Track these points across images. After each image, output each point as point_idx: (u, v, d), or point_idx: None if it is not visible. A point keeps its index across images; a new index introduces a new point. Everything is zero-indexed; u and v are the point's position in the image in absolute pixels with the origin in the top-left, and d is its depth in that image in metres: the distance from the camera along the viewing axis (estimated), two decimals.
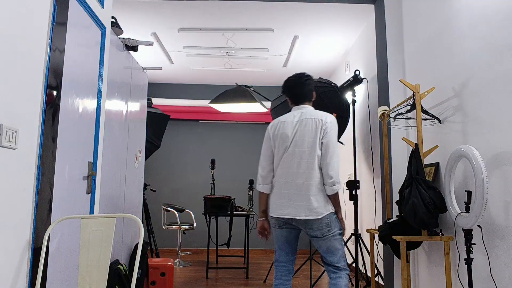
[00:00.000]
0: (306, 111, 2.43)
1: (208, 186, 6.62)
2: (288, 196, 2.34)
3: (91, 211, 2.55)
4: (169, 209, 5.63)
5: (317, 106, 4.13)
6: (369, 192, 4.47)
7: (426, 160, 3.17)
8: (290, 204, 2.33)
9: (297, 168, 2.34)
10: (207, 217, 4.86)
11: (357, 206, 3.98)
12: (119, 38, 3.42)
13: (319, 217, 2.28)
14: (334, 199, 2.35)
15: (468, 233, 2.30)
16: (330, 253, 2.34)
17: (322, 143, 2.33)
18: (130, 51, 3.61)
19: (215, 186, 6.08)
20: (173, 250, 6.43)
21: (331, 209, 2.33)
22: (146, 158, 4.58)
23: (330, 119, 2.37)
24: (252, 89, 5.01)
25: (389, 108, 3.57)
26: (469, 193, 2.35)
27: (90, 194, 2.52)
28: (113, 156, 3.17)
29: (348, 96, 4.29)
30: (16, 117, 1.69)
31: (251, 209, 5.18)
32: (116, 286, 2.94)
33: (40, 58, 1.88)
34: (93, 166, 2.56)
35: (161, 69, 4.91)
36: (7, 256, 1.66)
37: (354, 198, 3.99)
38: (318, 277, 4.37)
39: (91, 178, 2.51)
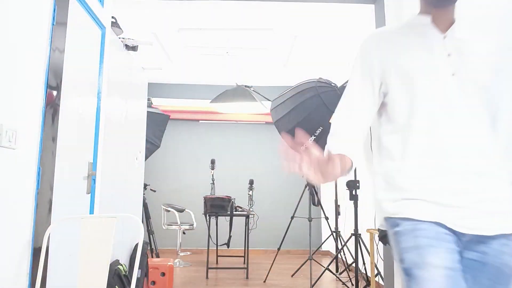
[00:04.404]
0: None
1: (208, 186, 6.61)
2: (472, 191, 1.11)
3: (91, 211, 2.55)
4: (169, 209, 5.63)
5: (317, 106, 4.14)
6: (369, 192, 4.46)
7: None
8: (477, 207, 1.10)
9: (487, 132, 1.15)
10: (207, 217, 4.86)
11: (357, 206, 3.98)
12: (119, 38, 3.42)
13: None
14: None
15: None
16: None
17: None
18: (130, 51, 3.61)
19: (215, 186, 6.07)
20: (173, 250, 6.43)
21: None
22: (146, 158, 4.58)
23: None
24: (252, 89, 5.01)
25: None
26: None
27: (90, 194, 2.52)
28: (113, 156, 3.17)
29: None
30: (16, 117, 1.69)
31: (251, 209, 5.18)
32: (116, 286, 2.94)
33: (40, 58, 1.88)
34: (93, 166, 2.56)
35: (161, 69, 4.91)
36: (7, 256, 1.66)
37: (354, 198, 3.99)
38: (318, 277, 4.37)
39: (91, 178, 2.51)
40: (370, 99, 1.27)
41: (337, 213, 5.34)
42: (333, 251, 6.11)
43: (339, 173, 1.07)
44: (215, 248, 5.76)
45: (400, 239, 1.13)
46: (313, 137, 4.09)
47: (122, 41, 3.45)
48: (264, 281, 4.49)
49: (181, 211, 5.65)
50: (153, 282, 3.68)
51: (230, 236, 5.19)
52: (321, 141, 4.14)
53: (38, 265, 1.84)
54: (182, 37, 4.98)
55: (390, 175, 1.22)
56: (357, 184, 3.97)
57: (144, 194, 4.44)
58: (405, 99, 1.20)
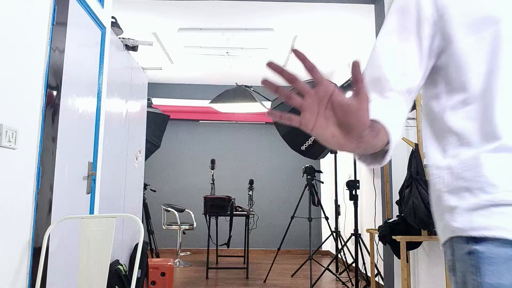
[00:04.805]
0: None
1: (208, 186, 6.62)
2: None
3: (91, 211, 2.55)
4: (169, 209, 5.63)
5: None
6: (369, 192, 4.47)
7: (426, 160, 3.17)
8: None
9: None
10: (207, 217, 4.86)
11: (357, 206, 3.98)
12: (119, 38, 3.42)
13: None
14: None
15: None
16: None
17: None
18: (130, 51, 3.61)
19: (215, 186, 6.08)
20: (173, 250, 6.43)
21: None
22: (146, 158, 4.58)
23: None
24: (252, 89, 5.01)
25: None
26: None
27: (90, 194, 2.52)
28: (113, 156, 3.17)
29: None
30: (16, 117, 1.69)
31: (251, 209, 5.17)
32: (116, 286, 2.94)
33: (40, 58, 1.88)
34: (93, 166, 2.56)
35: (161, 69, 4.91)
36: (7, 256, 1.66)
37: (354, 198, 3.99)
38: (318, 277, 4.37)
39: (91, 178, 2.51)
40: (415, 59, 0.83)
41: (337, 213, 5.34)
42: (333, 251, 6.11)
43: (367, 127, 0.65)
44: (215, 248, 5.76)
45: (484, 268, 0.72)
46: (312, 138, 4.09)
47: (122, 41, 3.45)
48: (264, 281, 4.49)
49: (181, 211, 5.65)
50: (153, 282, 3.68)
51: (230, 236, 5.19)
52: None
53: (38, 265, 1.84)
54: (182, 37, 4.98)
55: (467, 167, 0.78)
56: (357, 184, 3.97)
57: (144, 194, 4.44)
58: (482, 53, 0.78)
